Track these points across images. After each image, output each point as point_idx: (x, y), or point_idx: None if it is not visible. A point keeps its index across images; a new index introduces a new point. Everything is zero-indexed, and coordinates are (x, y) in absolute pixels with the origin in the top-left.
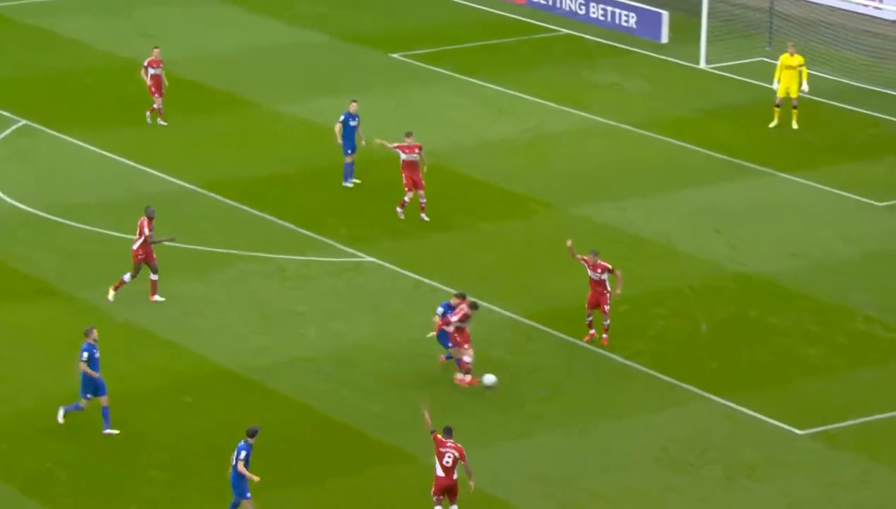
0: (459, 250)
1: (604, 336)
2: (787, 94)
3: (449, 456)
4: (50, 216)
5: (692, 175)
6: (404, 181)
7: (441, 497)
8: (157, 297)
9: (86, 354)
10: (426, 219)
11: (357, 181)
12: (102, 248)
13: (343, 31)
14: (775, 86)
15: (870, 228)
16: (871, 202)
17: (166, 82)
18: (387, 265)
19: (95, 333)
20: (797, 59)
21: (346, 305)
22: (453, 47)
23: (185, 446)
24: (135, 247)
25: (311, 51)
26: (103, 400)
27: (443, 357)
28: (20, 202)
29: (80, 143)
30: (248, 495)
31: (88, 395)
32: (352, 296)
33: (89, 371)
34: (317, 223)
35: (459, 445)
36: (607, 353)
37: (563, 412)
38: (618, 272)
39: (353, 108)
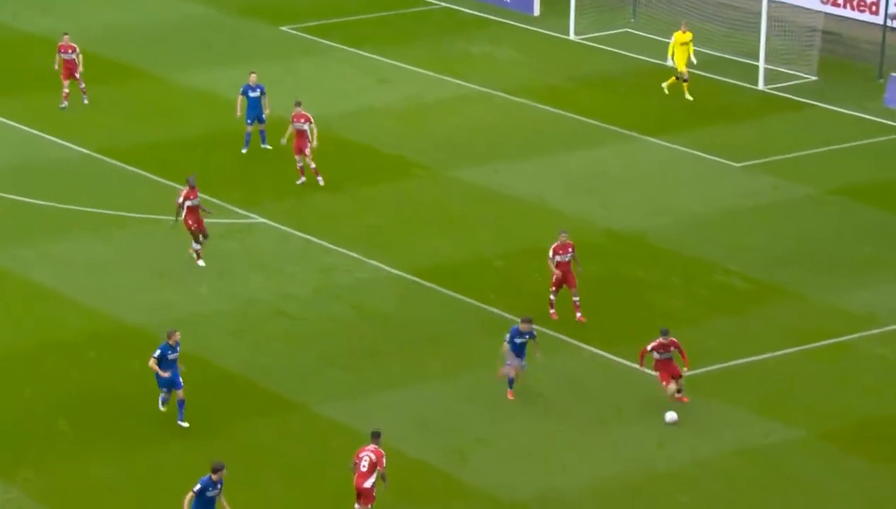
0: (347, 211)
1: (579, 314)
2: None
3: (365, 461)
4: None
5: (564, 139)
6: (294, 147)
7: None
8: (201, 262)
9: (158, 352)
10: (322, 182)
11: (269, 147)
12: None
13: (233, 5)
14: (670, 62)
15: (728, 188)
16: (729, 163)
17: (80, 67)
18: (278, 226)
19: (178, 336)
20: (688, 35)
21: (240, 264)
22: (340, 20)
23: (90, 400)
24: (181, 217)
25: (202, 24)
26: (179, 393)
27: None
28: None
29: None
30: None
31: (164, 389)
32: (245, 256)
33: (157, 369)
34: (212, 186)
35: (380, 450)
36: (486, 306)
37: (444, 362)
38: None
39: (252, 78)
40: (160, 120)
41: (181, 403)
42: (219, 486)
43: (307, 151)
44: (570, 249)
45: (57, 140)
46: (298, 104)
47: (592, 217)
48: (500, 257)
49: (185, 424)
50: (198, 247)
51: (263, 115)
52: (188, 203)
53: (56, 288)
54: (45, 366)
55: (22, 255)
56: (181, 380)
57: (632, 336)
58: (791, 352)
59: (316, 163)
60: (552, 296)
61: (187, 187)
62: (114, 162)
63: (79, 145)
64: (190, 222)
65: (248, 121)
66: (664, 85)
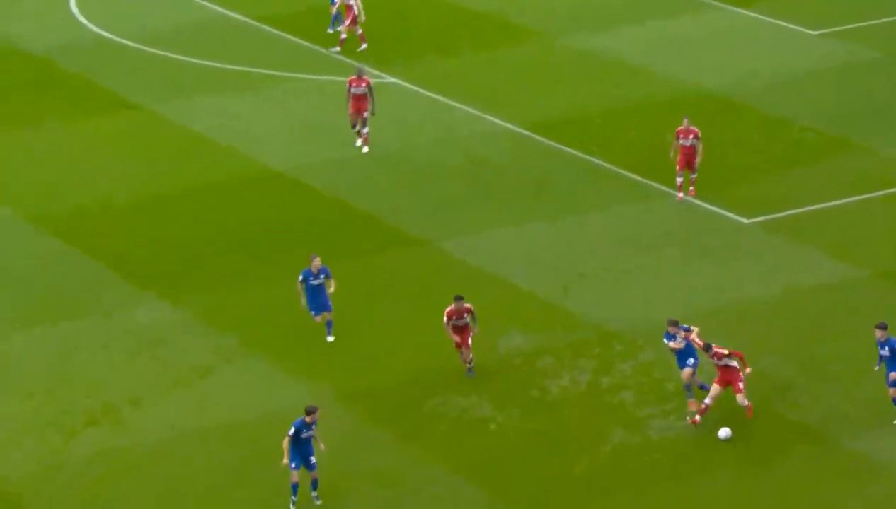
0: (467, 73)
1: (691, 188)
2: None
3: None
4: (129, 42)
5: (655, 8)
6: None
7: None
8: (365, 149)
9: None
10: None
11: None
12: (171, 72)
13: None
14: None
15: (804, 53)
16: (806, 31)
17: None
18: (408, 85)
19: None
20: None
21: (374, 118)
22: None
23: (245, 233)
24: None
25: None
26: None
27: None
28: (104, 30)
29: None
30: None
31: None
32: (379, 110)
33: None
34: (348, 50)
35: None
36: (588, 157)
37: (551, 204)
38: None
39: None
40: None
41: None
42: (312, 427)
43: None
44: (691, 135)
45: (217, 7)
46: None
47: (683, 77)
48: (601, 114)
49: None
50: (356, 130)
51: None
52: (354, 90)
53: (213, 137)
54: (205, 205)
55: (185, 108)
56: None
57: (717, 185)
58: (858, 200)
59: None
60: (679, 178)
61: (355, 75)
62: (261, 25)
63: (240, 14)
64: (352, 108)
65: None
66: None
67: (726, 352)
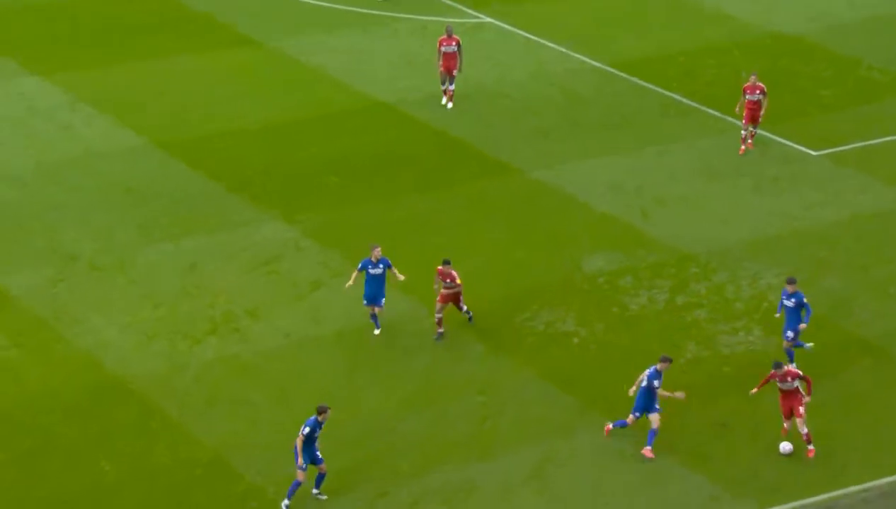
0: (559, 15)
1: (750, 141)
2: None
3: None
4: None
5: None
6: None
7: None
8: (449, 105)
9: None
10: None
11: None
12: (288, 12)
13: None
14: None
15: None
16: None
17: None
18: (503, 25)
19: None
20: None
21: (471, 56)
22: None
23: (353, 160)
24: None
25: None
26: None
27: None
28: None
29: None
30: (301, 465)
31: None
32: (475, 48)
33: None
34: None
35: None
36: (668, 92)
37: (633, 136)
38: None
39: None
40: None
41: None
42: (322, 426)
43: None
44: (757, 91)
45: None
46: None
47: (758, 21)
48: (682, 53)
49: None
50: (444, 87)
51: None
52: (444, 49)
53: (324, 69)
54: (317, 133)
55: (301, 44)
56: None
57: (787, 119)
58: None
59: None
60: (743, 131)
61: (445, 34)
62: None
63: None
64: (442, 66)
65: None
66: None
67: (800, 372)
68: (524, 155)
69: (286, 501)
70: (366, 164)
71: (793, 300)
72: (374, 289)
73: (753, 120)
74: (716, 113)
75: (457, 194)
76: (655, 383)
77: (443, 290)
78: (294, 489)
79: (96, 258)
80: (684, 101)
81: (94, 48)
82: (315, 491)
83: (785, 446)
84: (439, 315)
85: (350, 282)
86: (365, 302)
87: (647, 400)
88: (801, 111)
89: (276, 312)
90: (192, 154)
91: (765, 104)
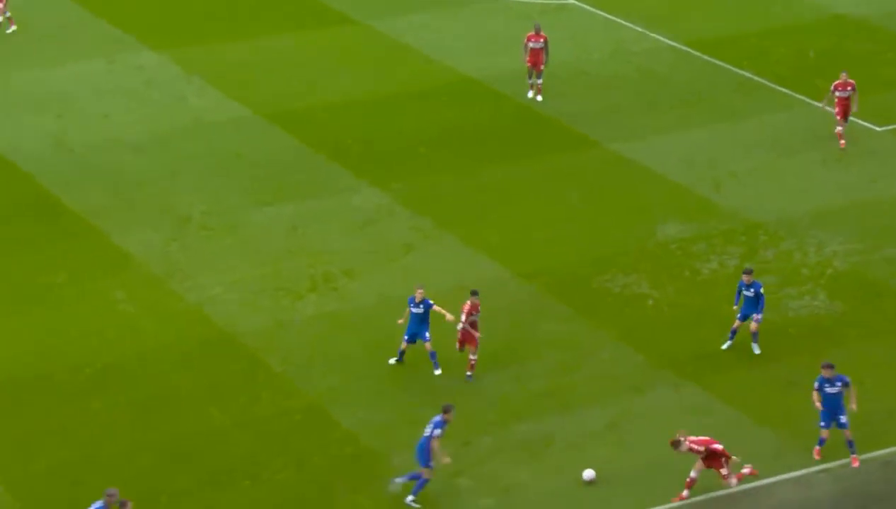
0: None
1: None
2: None
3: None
4: None
5: None
6: None
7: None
8: (538, 98)
9: (438, 431)
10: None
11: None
12: None
13: None
14: None
15: None
16: None
17: None
18: (584, 6)
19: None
20: None
21: (553, 35)
22: None
23: (442, 131)
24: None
25: None
26: (427, 346)
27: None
28: None
29: None
30: (431, 464)
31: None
32: (557, 29)
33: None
34: None
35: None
36: (739, 70)
37: (707, 112)
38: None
39: None
40: None
41: (433, 355)
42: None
43: None
44: (849, 87)
45: None
46: None
47: (825, 2)
48: (753, 34)
49: (439, 371)
50: (531, 81)
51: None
52: (532, 45)
53: (417, 47)
54: (409, 107)
55: (394, 23)
56: (427, 334)
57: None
58: None
59: None
60: (838, 127)
61: (533, 31)
62: None
63: None
64: (529, 61)
65: None
66: None
67: (702, 449)
68: (602, 129)
69: (411, 498)
70: (453, 136)
71: (752, 290)
72: (415, 327)
73: (845, 115)
74: (785, 90)
75: (538, 165)
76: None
77: (464, 328)
78: (420, 487)
79: (207, 220)
80: (755, 78)
81: (207, 26)
82: (410, 498)
83: (587, 473)
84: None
85: (401, 320)
86: (406, 338)
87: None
88: (866, 89)
89: (371, 273)
90: (295, 125)
91: (855, 99)
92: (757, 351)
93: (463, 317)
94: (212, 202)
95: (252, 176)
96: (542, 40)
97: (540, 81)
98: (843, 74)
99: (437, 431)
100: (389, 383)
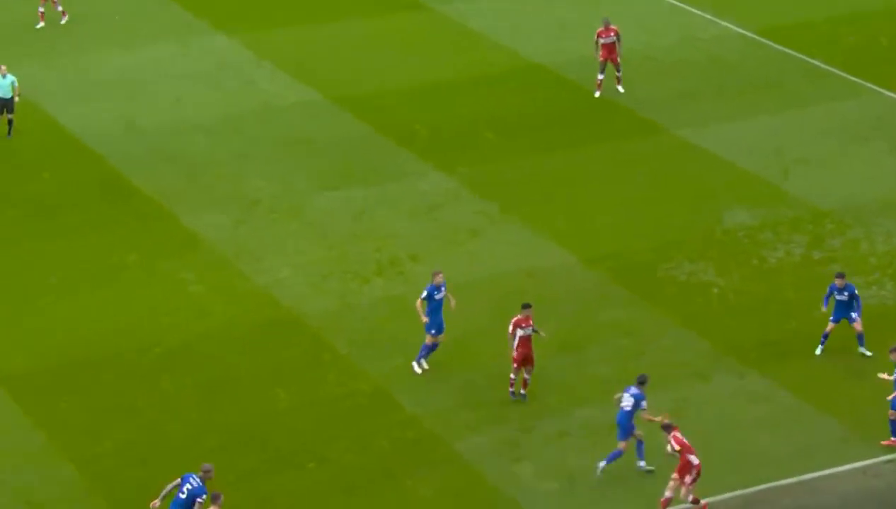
0: None
1: None
2: None
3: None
4: None
5: None
6: None
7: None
8: (620, 88)
9: (425, 293)
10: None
11: None
12: None
13: None
14: None
15: None
16: None
17: None
18: None
19: (441, 278)
20: None
21: (622, 22)
22: None
23: (509, 117)
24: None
25: None
26: (439, 337)
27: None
28: None
29: None
30: (630, 437)
31: (432, 331)
32: (627, 15)
33: (420, 311)
34: None
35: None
36: (810, 59)
37: (775, 100)
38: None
39: None
40: None
41: (429, 348)
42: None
43: None
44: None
45: None
46: None
47: None
48: (823, 21)
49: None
50: (600, 77)
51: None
52: (603, 40)
53: (485, 32)
54: (476, 92)
55: (463, 8)
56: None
57: None
58: None
59: None
60: None
61: (602, 27)
62: None
63: None
64: (602, 57)
65: None
66: None
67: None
68: (670, 115)
69: (603, 463)
70: (520, 122)
71: (845, 293)
72: (441, 315)
73: None
74: (854, 78)
75: (605, 151)
76: None
77: (519, 347)
78: (615, 457)
79: (274, 203)
80: (824, 66)
81: (277, 11)
82: (641, 463)
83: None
84: (514, 377)
85: (424, 318)
86: (434, 331)
87: None
88: None
89: (436, 257)
90: (363, 109)
91: None
92: (868, 353)
93: (510, 329)
94: (280, 185)
95: (320, 160)
96: (612, 34)
97: (619, 74)
98: None
99: (643, 404)
100: (452, 367)
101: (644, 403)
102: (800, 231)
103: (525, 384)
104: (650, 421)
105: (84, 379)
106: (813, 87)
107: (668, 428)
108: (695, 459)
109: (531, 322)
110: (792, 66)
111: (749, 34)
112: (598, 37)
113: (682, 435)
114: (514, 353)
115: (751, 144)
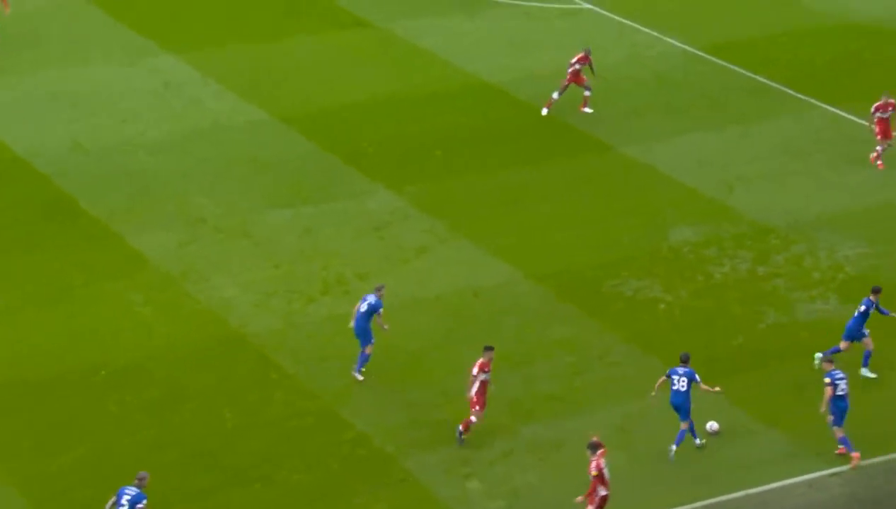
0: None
1: (879, 162)
2: None
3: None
4: None
5: None
6: None
7: None
8: (588, 109)
9: (697, 377)
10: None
11: None
12: None
13: None
14: None
15: None
16: None
17: None
18: (599, 10)
19: (382, 293)
20: None
21: (568, 40)
22: None
23: (458, 135)
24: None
25: None
26: (366, 349)
27: None
28: None
29: None
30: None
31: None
32: (573, 33)
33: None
34: None
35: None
36: (753, 75)
37: (719, 116)
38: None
39: None
40: None
41: (363, 358)
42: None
43: None
44: (889, 108)
45: None
46: None
47: (830, 9)
48: (767, 39)
49: (360, 377)
50: (556, 98)
51: None
52: (577, 66)
53: (433, 50)
54: (424, 110)
55: (410, 26)
56: (373, 337)
57: (863, 98)
58: None
59: None
60: (878, 147)
61: (583, 53)
62: None
63: None
64: (568, 80)
65: None
66: None
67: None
68: (616, 133)
69: (699, 441)
70: (468, 139)
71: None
72: (364, 327)
73: (886, 135)
74: (795, 93)
75: (553, 169)
76: None
77: (479, 393)
78: (682, 438)
79: (221, 222)
80: (767, 82)
81: (223, 30)
82: (698, 442)
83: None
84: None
85: (386, 327)
86: (372, 341)
87: None
88: (873, 93)
89: (383, 275)
90: (311, 128)
91: None
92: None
93: (474, 371)
94: (226, 204)
95: (267, 178)
96: (584, 61)
97: (588, 93)
98: (885, 95)
99: (697, 377)
100: (401, 385)
101: (697, 377)
102: (744, 247)
103: (466, 426)
104: (708, 391)
105: (30, 400)
106: (755, 103)
107: (594, 447)
108: (603, 491)
109: (491, 366)
110: (735, 82)
111: (693, 50)
112: (577, 62)
113: (605, 462)
114: (474, 397)
115: (696, 161)
